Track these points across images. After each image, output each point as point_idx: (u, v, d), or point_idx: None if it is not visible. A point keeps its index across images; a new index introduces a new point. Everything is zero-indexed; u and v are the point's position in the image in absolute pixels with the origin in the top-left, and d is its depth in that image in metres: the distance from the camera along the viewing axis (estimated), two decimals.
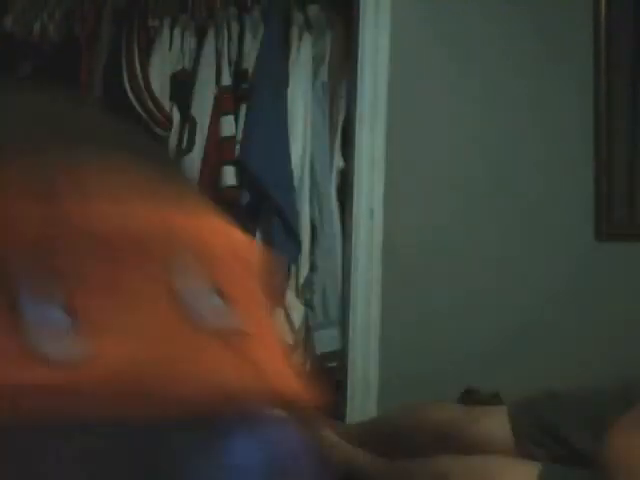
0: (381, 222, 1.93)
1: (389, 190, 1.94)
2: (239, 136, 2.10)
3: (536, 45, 1.96)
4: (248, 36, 2.17)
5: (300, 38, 2.16)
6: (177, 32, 2.19)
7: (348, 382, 1.94)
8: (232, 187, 2.07)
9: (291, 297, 2.04)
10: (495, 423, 1.28)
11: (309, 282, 2.08)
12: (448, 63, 1.97)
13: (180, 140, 2.12)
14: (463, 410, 1.43)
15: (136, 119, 2.09)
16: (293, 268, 2.06)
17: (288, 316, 2.03)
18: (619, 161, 1.98)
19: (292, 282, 2.06)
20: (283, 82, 2.11)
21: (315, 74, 2.15)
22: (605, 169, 1.97)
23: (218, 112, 2.12)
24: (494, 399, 1.73)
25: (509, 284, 1.95)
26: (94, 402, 0.25)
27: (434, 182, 1.96)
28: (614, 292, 1.95)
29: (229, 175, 2.07)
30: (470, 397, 1.79)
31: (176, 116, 2.14)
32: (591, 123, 1.97)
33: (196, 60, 2.17)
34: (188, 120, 2.11)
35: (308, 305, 2.07)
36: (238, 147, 2.09)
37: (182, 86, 2.15)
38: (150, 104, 2.10)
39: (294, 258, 2.04)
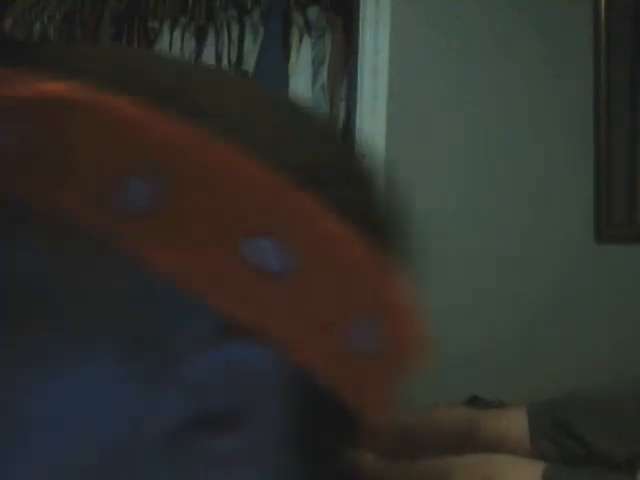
0: None
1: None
2: None
3: (536, 45, 1.96)
4: (248, 38, 2.17)
5: (300, 40, 2.17)
6: (177, 34, 2.19)
7: None
8: None
9: None
10: (513, 421, 1.26)
11: None
12: (448, 64, 1.97)
13: None
14: (481, 410, 1.42)
15: None
16: None
17: None
18: (619, 163, 1.97)
19: None
20: (283, 84, 2.11)
21: (315, 76, 2.15)
22: (605, 171, 1.96)
23: None
24: (500, 407, 1.71)
25: (508, 286, 1.95)
26: None
27: (434, 183, 1.95)
28: (614, 294, 1.95)
29: None
30: (475, 405, 1.77)
31: None
32: (591, 124, 1.97)
33: (196, 62, 2.17)
34: None
35: None
36: None
37: None
38: None
39: None
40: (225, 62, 2.16)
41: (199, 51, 2.17)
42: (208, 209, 0.30)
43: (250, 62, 2.15)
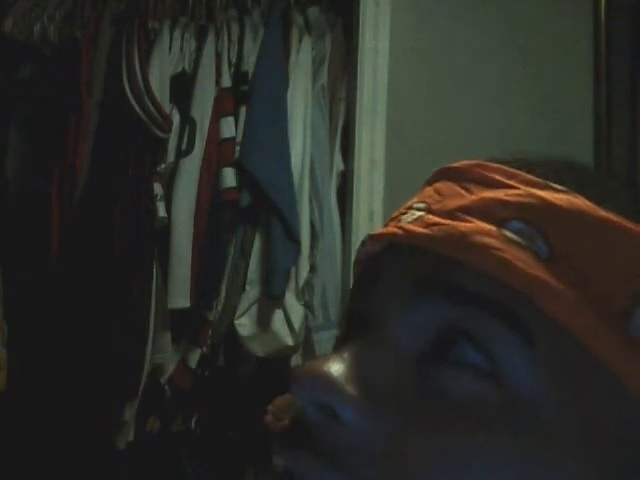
0: (381, 224, 1.93)
1: (389, 192, 1.94)
2: (239, 138, 2.10)
3: (536, 45, 1.96)
4: (248, 38, 2.17)
5: (300, 40, 2.16)
6: (177, 34, 2.19)
7: None
8: (232, 189, 2.06)
9: (291, 299, 2.03)
10: None
11: (309, 284, 2.07)
12: (448, 65, 1.97)
13: (180, 142, 2.12)
14: None
15: (136, 121, 2.09)
16: (293, 270, 2.05)
17: (287, 318, 2.02)
18: (619, 164, 1.97)
19: (292, 284, 2.05)
20: (283, 84, 2.11)
21: (315, 76, 2.15)
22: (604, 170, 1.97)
23: (218, 114, 2.12)
24: None
25: None
26: None
27: None
28: None
29: (229, 177, 2.07)
30: None
31: (176, 118, 2.14)
32: (591, 124, 1.97)
33: (196, 62, 2.16)
34: (188, 122, 2.11)
35: (308, 307, 2.07)
36: (238, 149, 2.09)
37: (182, 88, 2.15)
38: (150, 106, 2.09)
39: (294, 260, 2.03)
40: (225, 62, 2.16)
41: (199, 51, 2.17)
42: None
43: (250, 62, 2.15)
